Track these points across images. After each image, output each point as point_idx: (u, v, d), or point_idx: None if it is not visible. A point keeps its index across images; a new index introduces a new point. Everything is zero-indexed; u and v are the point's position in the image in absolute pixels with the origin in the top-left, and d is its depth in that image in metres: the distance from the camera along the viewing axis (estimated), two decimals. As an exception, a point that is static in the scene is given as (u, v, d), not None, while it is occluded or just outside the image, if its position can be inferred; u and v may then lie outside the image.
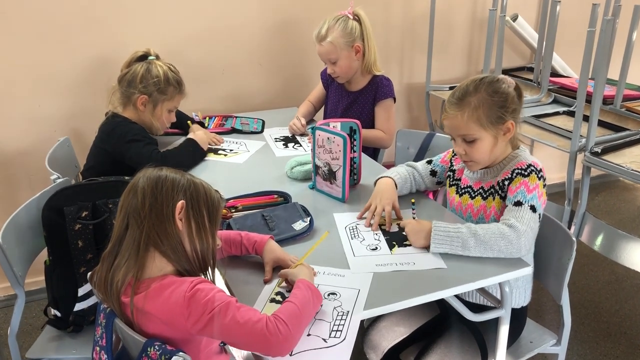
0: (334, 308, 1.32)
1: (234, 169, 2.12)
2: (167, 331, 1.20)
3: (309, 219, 1.63)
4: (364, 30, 2.32)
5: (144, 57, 2.12)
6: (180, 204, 1.22)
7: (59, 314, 1.78)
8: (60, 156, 2.24)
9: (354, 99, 2.43)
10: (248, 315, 1.15)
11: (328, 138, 1.78)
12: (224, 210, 1.67)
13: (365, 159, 2.15)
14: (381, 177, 1.80)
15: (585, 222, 2.32)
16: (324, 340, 1.23)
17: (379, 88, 2.38)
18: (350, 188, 1.88)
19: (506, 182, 1.61)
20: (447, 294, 1.41)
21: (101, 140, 2.10)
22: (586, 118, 2.27)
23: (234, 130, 2.45)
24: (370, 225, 1.66)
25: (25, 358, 1.72)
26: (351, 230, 1.65)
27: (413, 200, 1.73)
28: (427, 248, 1.53)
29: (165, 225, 1.21)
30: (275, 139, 2.39)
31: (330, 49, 2.29)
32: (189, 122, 2.40)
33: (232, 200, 1.73)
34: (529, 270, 1.49)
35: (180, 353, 1.17)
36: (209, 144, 2.26)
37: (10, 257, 1.62)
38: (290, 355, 1.19)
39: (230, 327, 1.14)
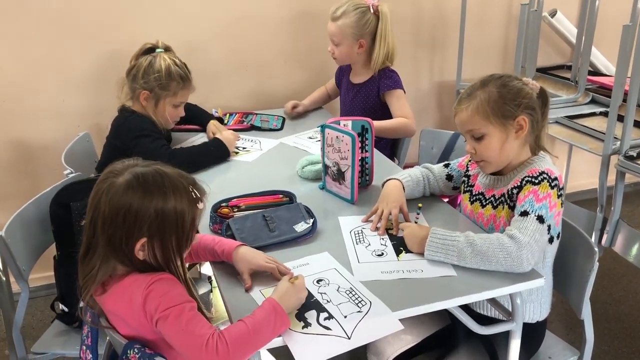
0: (337, 290, 1.33)
1: (243, 167, 2.06)
2: (139, 333, 1.16)
3: (312, 220, 1.57)
4: (380, 28, 2.26)
5: (151, 50, 2.08)
6: (140, 242, 1.15)
7: (66, 309, 1.78)
8: (79, 151, 2.26)
9: (357, 91, 2.40)
10: (194, 327, 1.10)
11: (337, 137, 1.71)
12: (226, 210, 1.63)
13: (381, 159, 2.07)
14: (389, 180, 1.72)
15: (619, 231, 2.17)
16: (359, 311, 1.26)
17: (382, 79, 2.33)
18: (362, 189, 1.81)
19: (515, 191, 1.51)
20: (451, 304, 1.33)
21: (112, 135, 2.10)
22: (622, 119, 2.12)
23: (252, 128, 2.41)
24: (376, 229, 1.59)
25: (31, 352, 1.73)
26: (356, 235, 1.58)
27: (420, 205, 1.64)
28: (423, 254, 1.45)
29: (124, 254, 1.16)
30: (310, 137, 2.35)
31: (336, 32, 2.27)
32: (212, 121, 2.35)
33: (235, 200, 1.68)
34: (540, 282, 1.38)
35: (158, 358, 1.13)
36: None
37: (14, 251, 1.62)
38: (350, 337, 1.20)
39: (173, 333, 1.10)
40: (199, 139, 2.30)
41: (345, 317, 1.25)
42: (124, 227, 1.13)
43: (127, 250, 1.15)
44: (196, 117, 2.35)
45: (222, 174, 2.00)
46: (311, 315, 1.25)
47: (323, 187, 1.85)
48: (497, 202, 1.57)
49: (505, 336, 1.46)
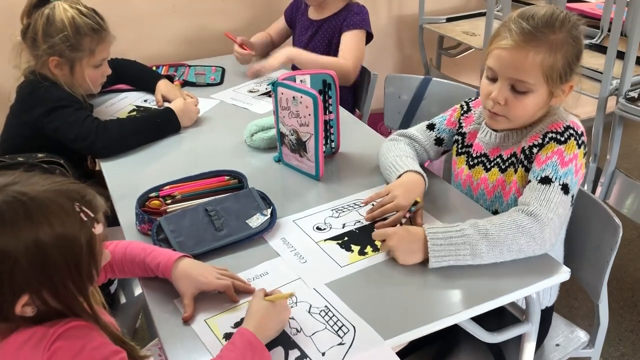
0: (309, 311, 1.01)
1: (174, 139, 1.65)
2: None
3: (270, 210, 1.23)
4: None
5: (44, 1, 1.57)
6: (21, 302, 0.79)
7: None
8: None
9: (318, 27, 2.05)
10: None
11: (294, 97, 1.35)
12: (156, 202, 1.26)
13: (347, 119, 1.72)
14: (408, 171, 1.31)
15: (614, 182, 1.92)
16: (341, 343, 0.95)
17: (349, 16, 1.99)
18: (327, 160, 1.47)
19: (535, 150, 1.20)
20: (460, 318, 1.03)
21: (19, 108, 1.63)
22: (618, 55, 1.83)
23: (185, 84, 2.00)
24: (373, 219, 1.25)
25: None
26: (324, 226, 1.24)
27: (419, 200, 1.24)
28: (423, 263, 1.12)
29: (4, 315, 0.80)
30: (250, 90, 1.96)
31: None
32: (164, 80, 1.89)
33: (167, 187, 1.31)
34: (565, 276, 1.11)
35: None
36: None
37: None
38: None
39: None
40: (120, 101, 1.87)
41: (324, 354, 0.93)
42: None
43: (4, 314, 0.79)
44: (138, 78, 1.92)
45: (144, 151, 1.58)
46: (277, 355, 0.93)
47: (279, 160, 1.49)
48: (506, 163, 1.27)
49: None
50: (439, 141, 1.43)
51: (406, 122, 2.07)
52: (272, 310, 0.94)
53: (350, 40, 1.98)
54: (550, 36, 1.14)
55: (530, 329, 1.16)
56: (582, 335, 1.45)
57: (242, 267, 1.12)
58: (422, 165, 1.40)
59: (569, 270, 1.11)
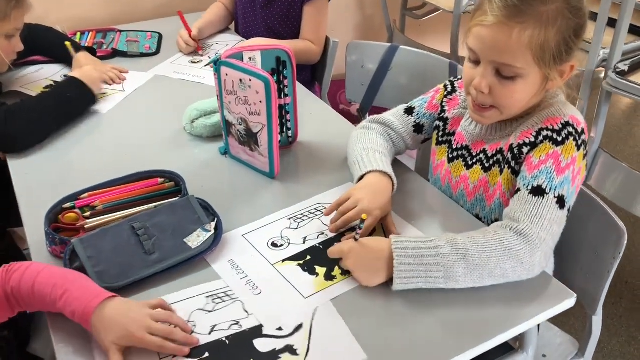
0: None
1: (94, 126, 1.38)
2: None
3: (214, 223, 1.00)
4: None
5: None
6: None
7: None
8: None
9: None
10: None
11: (241, 80, 1.10)
12: (72, 215, 1.01)
13: (305, 98, 1.48)
14: (373, 171, 1.09)
15: (597, 163, 1.77)
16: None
17: None
18: (283, 151, 1.24)
19: (525, 149, 1.01)
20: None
21: None
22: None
23: (115, 53, 1.71)
24: (337, 230, 1.04)
25: None
26: (274, 247, 1.02)
27: (364, 217, 0.98)
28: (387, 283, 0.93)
29: None
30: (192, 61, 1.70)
31: None
32: (67, 43, 1.58)
33: (86, 196, 1.06)
34: (571, 303, 0.93)
35: None
36: (106, 84, 1.52)
37: None
38: None
39: None
40: (33, 73, 1.57)
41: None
42: None
43: None
44: (55, 49, 1.61)
45: (59, 143, 1.30)
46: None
47: (226, 152, 1.25)
48: (490, 161, 1.08)
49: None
50: (418, 128, 1.21)
51: (370, 95, 1.86)
52: None
53: (314, 16, 1.74)
54: (539, 8, 0.93)
55: (525, 358, 0.99)
56: (570, 344, 1.30)
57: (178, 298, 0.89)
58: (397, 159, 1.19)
59: (575, 295, 0.93)
